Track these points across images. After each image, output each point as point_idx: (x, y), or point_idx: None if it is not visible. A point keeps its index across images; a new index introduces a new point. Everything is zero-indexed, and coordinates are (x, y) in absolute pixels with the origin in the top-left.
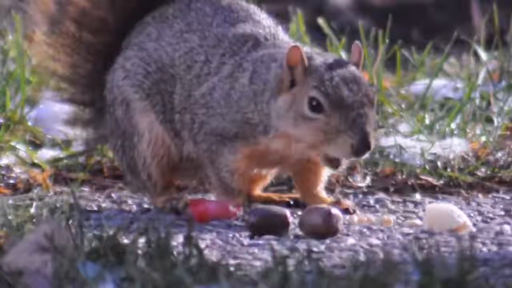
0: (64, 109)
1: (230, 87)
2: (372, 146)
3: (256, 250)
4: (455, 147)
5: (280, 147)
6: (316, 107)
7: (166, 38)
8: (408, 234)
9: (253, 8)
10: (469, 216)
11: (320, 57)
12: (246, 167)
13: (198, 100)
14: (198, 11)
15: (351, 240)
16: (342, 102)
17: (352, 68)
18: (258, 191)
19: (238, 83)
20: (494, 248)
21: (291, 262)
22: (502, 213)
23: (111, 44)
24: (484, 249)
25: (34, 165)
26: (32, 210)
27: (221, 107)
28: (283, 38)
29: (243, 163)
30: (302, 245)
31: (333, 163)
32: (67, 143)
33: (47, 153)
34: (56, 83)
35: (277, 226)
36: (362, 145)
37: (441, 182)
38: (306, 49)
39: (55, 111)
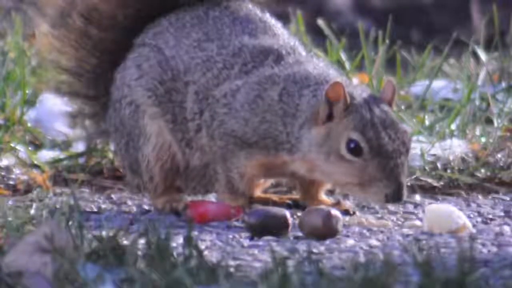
0: (65, 110)
1: (257, 94)
2: (404, 198)
3: (256, 251)
4: (455, 148)
5: (301, 171)
6: (354, 149)
7: (183, 47)
8: (408, 235)
9: (270, 19)
10: (469, 217)
11: (357, 93)
12: (257, 174)
13: (220, 100)
14: (216, 20)
15: (351, 241)
16: (381, 150)
17: (389, 110)
18: (258, 192)
19: (267, 94)
20: (494, 249)
21: (291, 263)
22: (502, 214)
23: (118, 41)
24: (484, 250)
25: (34, 166)
26: (32, 211)
27: (244, 111)
28: (301, 51)
29: (255, 170)
30: (302, 246)
31: (361, 199)
32: (67, 144)
33: (47, 154)
34: (59, 75)
35: (277, 227)
36: (395, 196)
37: (441, 183)
38: (342, 79)
39: (55, 112)
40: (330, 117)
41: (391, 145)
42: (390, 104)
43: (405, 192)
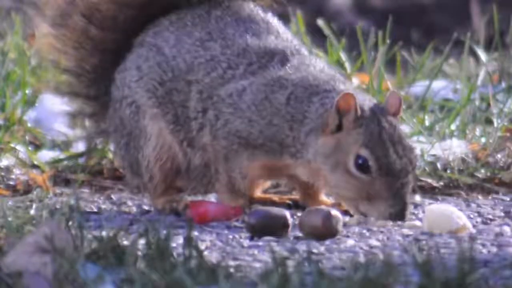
0: (65, 110)
1: (264, 96)
2: (407, 218)
3: (256, 252)
4: (455, 148)
5: (303, 175)
6: (362, 166)
7: (185, 46)
8: (408, 236)
9: (273, 19)
10: (469, 217)
11: (366, 105)
12: (259, 174)
13: (225, 99)
14: (218, 20)
15: (350, 242)
16: (389, 168)
17: (397, 124)
18: (258, 192)
19: (274, 97)
20: (494, 250)
21: (291, 264)
22: (502, 214)
23: (119, 41)
24: (484, 250)
25: (34, 166)
26: (32, 212)
27: (251, 112)
28: (305, 52)
29: (258, 171)
30: (302, 247)
31: (362, 214)
32: (67, 144)
33: (47, 154)
34: (59, 75)
35: (277, 228)
36: (399, 215)
37: (441, 183)
38: (352, 90)
39: (55, 112)
40: (339, 127)
41: (399, 164)
42: (396, 116)
43: (409, 211)
